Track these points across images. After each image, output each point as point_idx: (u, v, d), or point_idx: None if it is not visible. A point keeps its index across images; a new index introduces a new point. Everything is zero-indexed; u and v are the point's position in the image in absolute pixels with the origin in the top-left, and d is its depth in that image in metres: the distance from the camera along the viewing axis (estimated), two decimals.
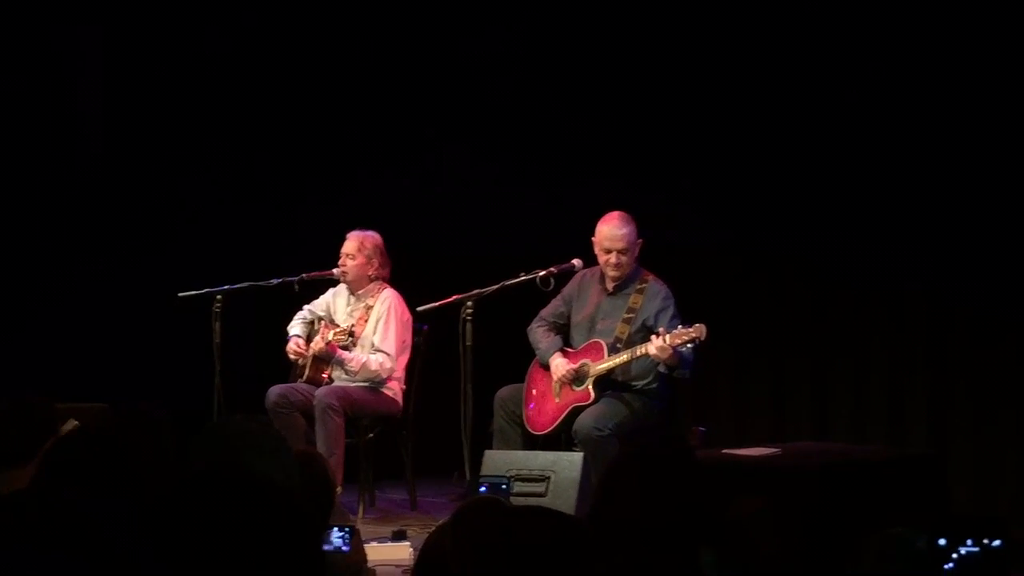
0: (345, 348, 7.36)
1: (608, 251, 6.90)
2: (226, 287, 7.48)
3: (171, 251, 8.60)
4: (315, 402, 7.14)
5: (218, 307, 7.41)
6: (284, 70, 8.80)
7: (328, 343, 7.33)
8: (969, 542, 3.68)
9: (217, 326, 7.38)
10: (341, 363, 7.36)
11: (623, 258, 6.89)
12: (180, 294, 7.53)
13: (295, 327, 7.61)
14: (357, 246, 7.52)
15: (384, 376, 7.39)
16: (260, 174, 8.86)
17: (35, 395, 4.29)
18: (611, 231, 6.89)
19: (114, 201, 8.70)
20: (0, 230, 8.41)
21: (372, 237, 7.55)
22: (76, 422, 4.62)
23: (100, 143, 8.79)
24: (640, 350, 6.68)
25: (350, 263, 7.51)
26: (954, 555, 3.85)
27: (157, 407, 3.17)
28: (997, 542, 3.92)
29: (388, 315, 7.42)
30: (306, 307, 7.68)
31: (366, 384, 7.38)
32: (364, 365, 7.35)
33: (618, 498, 3.17)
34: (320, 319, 7.65)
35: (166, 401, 4.68)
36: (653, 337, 6.61)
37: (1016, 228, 7.21)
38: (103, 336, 8.35)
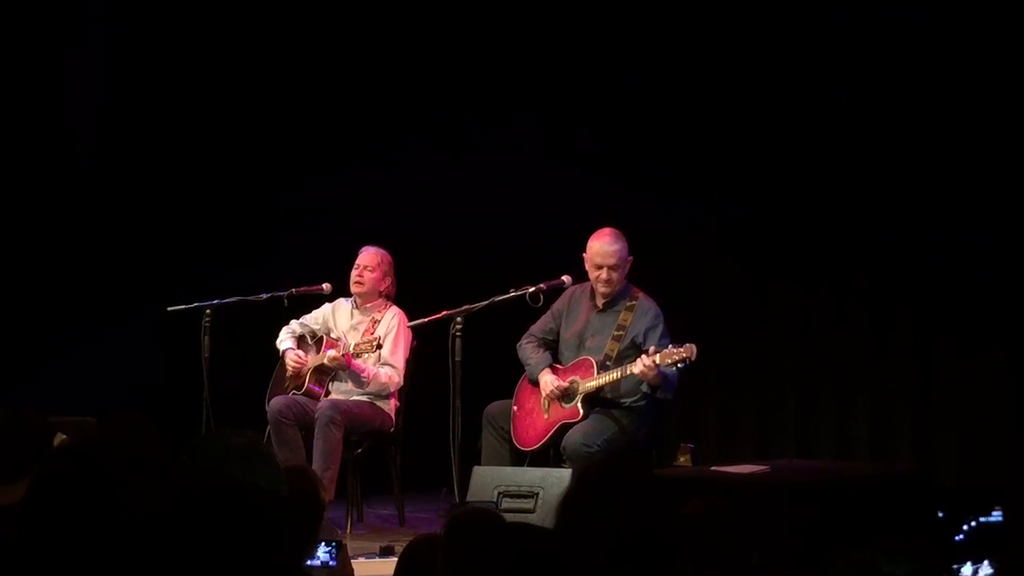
0: (358, 356, 7.37)
1: (599, 267, 6.91)
2: (215, 302, 7.48)
3: (160, 265, 8.59)
4: (317, 415, 7.14)
5: (207, 322, 7.41)
6: (271, 86, 8.80)
7: (345, 354, 7.32)
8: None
9: (206, 340, 7.38)
10: (356, 375, 7.37)
11: (614, 274, 6.90)
12: (169, 308, 7.53)
13: (286, 341, 7.59)
14: (377, 260, 7.55)
15: (392, 389, 7.42)
16: (249, 190, 8.85)
17: (30, 410, 4.26)
18: (602, 247, 6.90)
19: (104, 214, 8.69)
20: None
21: (387, 255, 7.60)
22: (64, 436, 4.60)
23: (90, 156, 8.79)
24: (628, 369, 6.68)
25: (368, 275, 7.52)
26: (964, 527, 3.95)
27: (144, 419, 3.17)
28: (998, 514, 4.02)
29: (398, 330, 7.45)
30: (294, 322, 7.64)
31: (367, 398, 7.39)
32: (375, 377, 7.37)
33: (578, 515, 3.16)
34: (314, 333, 7.63)
35: (155, 415, 4.68)
36: (642, 356, 6.62)
37: (1001, 240, 7.27)
38: (91, 349, 8.34)
